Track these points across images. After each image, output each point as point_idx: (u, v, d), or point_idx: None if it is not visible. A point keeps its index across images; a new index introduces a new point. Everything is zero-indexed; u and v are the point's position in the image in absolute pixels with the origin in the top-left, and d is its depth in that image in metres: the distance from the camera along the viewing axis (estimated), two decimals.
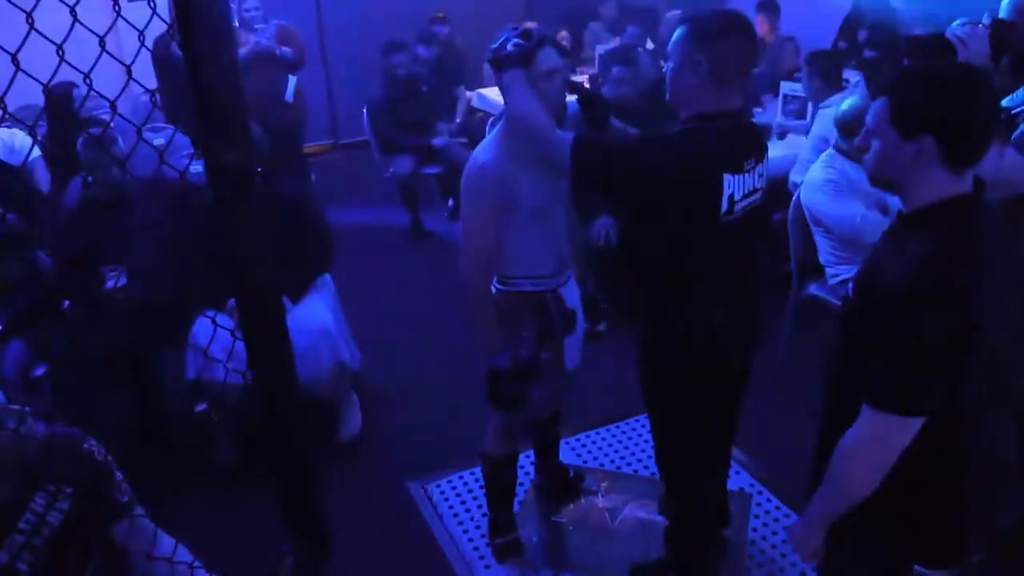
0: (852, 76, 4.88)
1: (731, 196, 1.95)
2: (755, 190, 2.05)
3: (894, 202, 3.13)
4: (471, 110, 6.51)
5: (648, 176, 1.92)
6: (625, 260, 2.19)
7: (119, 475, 1.80)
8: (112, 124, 3.47)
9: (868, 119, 1.57)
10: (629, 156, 1.96)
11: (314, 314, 3.26)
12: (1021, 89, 2.18)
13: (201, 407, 3.48)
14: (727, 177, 1.93)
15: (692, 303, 2.08)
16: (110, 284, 3.15)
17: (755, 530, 2.88)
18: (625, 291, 2.25)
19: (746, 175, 1.99)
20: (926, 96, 1.48)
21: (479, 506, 3.01)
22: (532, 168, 2.20)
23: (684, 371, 2.15)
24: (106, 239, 3.26)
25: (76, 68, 0.89)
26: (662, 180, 1.90)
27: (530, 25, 2.29)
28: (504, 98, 2.15)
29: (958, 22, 2.07)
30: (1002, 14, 2.12)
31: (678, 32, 1.98)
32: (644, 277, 2.15)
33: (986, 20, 2.09)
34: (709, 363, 2.14)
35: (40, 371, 3.27)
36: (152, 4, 0.88)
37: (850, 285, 1.65)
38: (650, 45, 6.34)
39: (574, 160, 1.94)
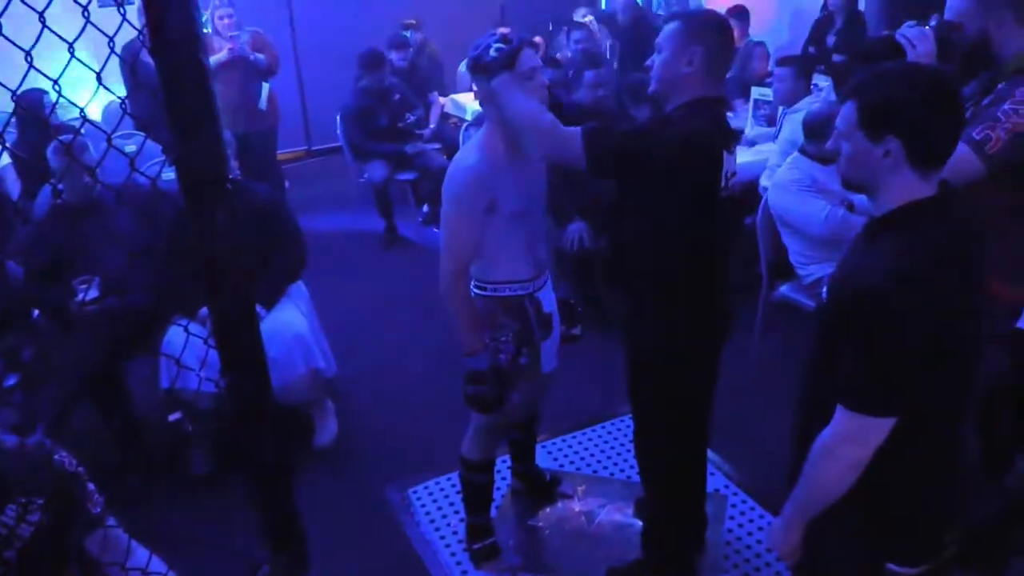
0: (821, 80, 4.94)
1: (726, 172, 2.10)
2: (735, 173, 2.19)
3: (859, 200, 3.20)
4: (444, 116, 6.52)
5: (662, 150, 2.01)
6: (622, 253, 2.28)
7: (91, 486, 1.78)
8: (83, 131, 3.43)
9: (837, 122, 1.59)
10: (640, 135, 2.06)
11: (288, 321, 3.25)
12: (970, 85, 2.26)
13: (175, 416, 3.45)
14: (725, 154, 2.09)
15: (689, 283, 2.19)
16: (81, 296, 3.10)
17: (730, 531, 2.90)
18: (617, 288, 2.32)
19: (732, 156, 2.15)
20: (892, 98, 1.50)
21: (456, 511, 3.01)
22: (514, 172, 2.23)
23: (680, 360, 2.24)
24: (77, 247, 3.22)
25: (45, 75, 0.89)
26: (677, 157, 2.00)
27: (505, 30, 2.32)
28: (497, 103, 2.16)
29: (907, 24, 2.15)
30: (947, 16, 2.20)
31: (671, 26, 2.11)
32: (646, 259, 2.21)
33: (932, 22, 2.18)
34: (701, 349, 2.25)
35: (11, 381, 3.23)
36: (122, 11, 0.88)
37: (823, 288, 1.67)
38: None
39: (587, 148, 2.00)
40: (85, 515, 1.75)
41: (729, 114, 5.33)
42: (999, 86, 2.13)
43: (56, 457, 1.74)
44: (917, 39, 2.10)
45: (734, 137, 2.19)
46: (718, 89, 2.14)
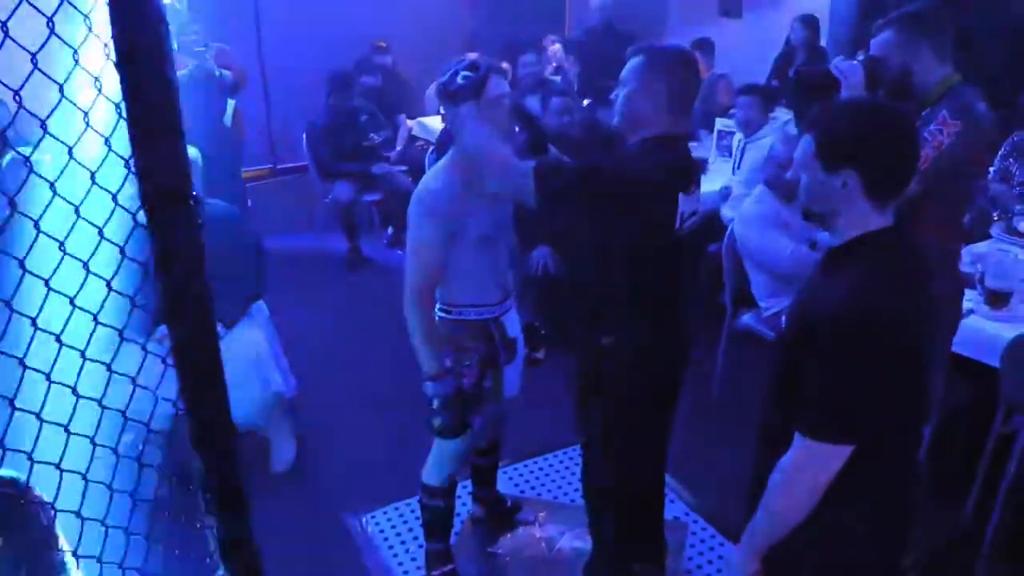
0: (783, 113, 5.03)
1: (682, 213, 2.09)
2: (695, 212, 2.18)
3: (823, 238, 3.25)
4: (412, 138, 6.53)
5: (612, 189, 2.01)
6: (575, 279, 2.27)
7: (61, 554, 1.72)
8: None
9: (796, 154, 1.63)
10: (591, 173, 2.05)
11: (247, 341, 3.20)
12: None
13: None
14: (681, 195, 2.07)
15: (640, 321, 2.18)
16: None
17: (690, 559, 2.90)
18: (571, 312, 2.31)
19: (691, 196, 2.13)
20: (848, 131, 1.54)
21: (415, 538, 2.97)
22: (480, 196, 2.23)
23: (628, 388, 2.21)
24: None
25: (7, 86, 0.87)
26: (626, 193, 2.00)
27: (474, 56, 2.32)
28: (458, 131, 2.17)
29: (840, 58, 2.39)
30: (872, 51, 2.42)
31: (636, 60, 2.11)
32: (597, 297, 2.20)
33: (860, 57, 2.41)
34: (652, 377, 2.23)
35: None
36: (88, 23, 0.87)
37: (783, 317, 1.70)
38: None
39: (539, 184, 1.99)
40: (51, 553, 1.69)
41: (693, 144, 5.39)
42: (923, 112, 2.36)
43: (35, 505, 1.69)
44: (849, 72, 2.29)
45: (695, 175, 2.18)
46: (681, 125, 2.14)
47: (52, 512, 1.69)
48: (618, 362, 2.21)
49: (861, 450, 1.52)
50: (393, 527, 3.06)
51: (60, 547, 1.72)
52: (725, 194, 4.47)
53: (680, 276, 2.24)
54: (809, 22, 6.10)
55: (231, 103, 5.42)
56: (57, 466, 1.05)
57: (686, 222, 2.12)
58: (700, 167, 2.25)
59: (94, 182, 0.95)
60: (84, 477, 1.11)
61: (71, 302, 0.99)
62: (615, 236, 2.08)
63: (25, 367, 0.94)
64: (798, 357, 1.57)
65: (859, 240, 1.56)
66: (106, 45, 0.83)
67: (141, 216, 0.92)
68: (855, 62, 2.35)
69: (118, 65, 0.82)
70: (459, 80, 2.13)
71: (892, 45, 2.36)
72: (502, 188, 2.11)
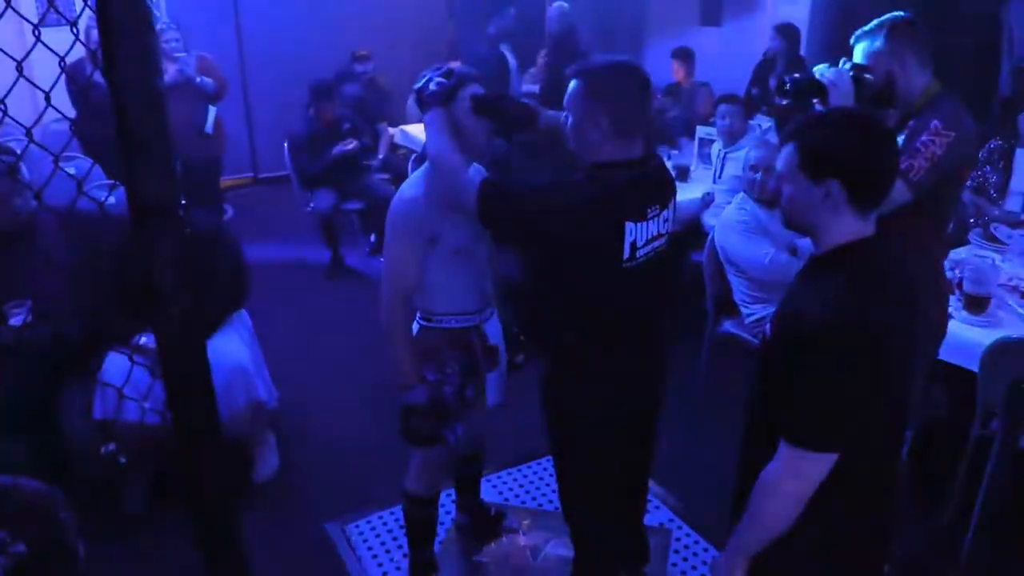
0: (764, 122, 5.07)
1: (633, 243, 1.98)
2: (659, 235, 2.08)
3: (803, 244, 3.28)
4: (393, 147, 6.52)
5: (551, 222, 1.94)
6: (531, 300, 2.23)
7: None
8: (19, 152, 3.34)
9: (778, 164, 1.64)
10: (532, 202, 1.99)
11: (229, 351, 3.17)
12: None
13: (107, 448, 3.33)
14: (629, 225, 1.97)
15: (593, 346, 2.12)
16: (14, 321, 2.99)
17: (674, 565, 2.90)
18: (533, 329, 2.28)
19: (649, 222, 2.02)
20: (831, 141, 1.56)
21: (399, 546, 2.96)
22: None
23: (585, 413, 2.17)
24: (8, 272, 3.11)
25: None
26: (564, 226, 1.93)
27: (453, 65, 2.31)
28: (427, 136, 2.17)
29: (824, 66, 2.35)
30: (856, 59, 2.42)
31: (575, 87, 2.01)
32: (547, 319, 2.17)
33: (847, 64, 2.38)
34: (609, 405, 2.16)
35: None
36: (75, 31, 0.86)
37: (767, 325, 1.71)
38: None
39: (480, 204, 1.97)
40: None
41: (674, 151, 5.38)
42: (910, 122, 2.35)
43: (62, 514, 1.67)
44: (837, 79, 2.26)
45: (654, 199, 2.04)
46: (632, 149, 2.02)
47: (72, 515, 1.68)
48: (569, 385, 2.17)
49: (845, 456, 1.53)
50: (377, 536, 3.05)
51: (78, 546, 1.70)
52: (707, 201, 4.49)
53: (643, 301, 2.13)
54: (787, 31, 6.14)
55: (212, 111, 5.40)
56: None
57: (639, 251, 2.00)
58: (667, 189, 2.12)
59: (81, 191, 0.94)
60: None
61: None
62: (550, 266, 2.04)
63: None
64: (782, 365, 1.58)
65: (842, 249, 1.58)
66: (93, 54, 0.82)
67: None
68: (842, 69, 2.32)
69: (106, 74, 0.82)
70: (432, 86, 2.14)
71: (877, 53, 2.36)
72: (449, 198, 2.06)
